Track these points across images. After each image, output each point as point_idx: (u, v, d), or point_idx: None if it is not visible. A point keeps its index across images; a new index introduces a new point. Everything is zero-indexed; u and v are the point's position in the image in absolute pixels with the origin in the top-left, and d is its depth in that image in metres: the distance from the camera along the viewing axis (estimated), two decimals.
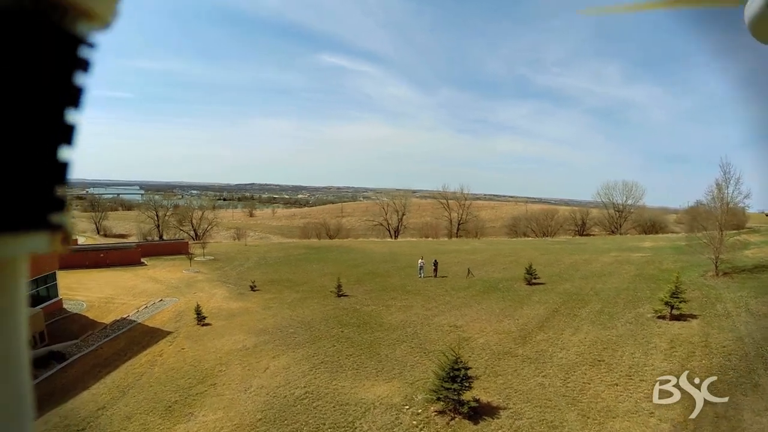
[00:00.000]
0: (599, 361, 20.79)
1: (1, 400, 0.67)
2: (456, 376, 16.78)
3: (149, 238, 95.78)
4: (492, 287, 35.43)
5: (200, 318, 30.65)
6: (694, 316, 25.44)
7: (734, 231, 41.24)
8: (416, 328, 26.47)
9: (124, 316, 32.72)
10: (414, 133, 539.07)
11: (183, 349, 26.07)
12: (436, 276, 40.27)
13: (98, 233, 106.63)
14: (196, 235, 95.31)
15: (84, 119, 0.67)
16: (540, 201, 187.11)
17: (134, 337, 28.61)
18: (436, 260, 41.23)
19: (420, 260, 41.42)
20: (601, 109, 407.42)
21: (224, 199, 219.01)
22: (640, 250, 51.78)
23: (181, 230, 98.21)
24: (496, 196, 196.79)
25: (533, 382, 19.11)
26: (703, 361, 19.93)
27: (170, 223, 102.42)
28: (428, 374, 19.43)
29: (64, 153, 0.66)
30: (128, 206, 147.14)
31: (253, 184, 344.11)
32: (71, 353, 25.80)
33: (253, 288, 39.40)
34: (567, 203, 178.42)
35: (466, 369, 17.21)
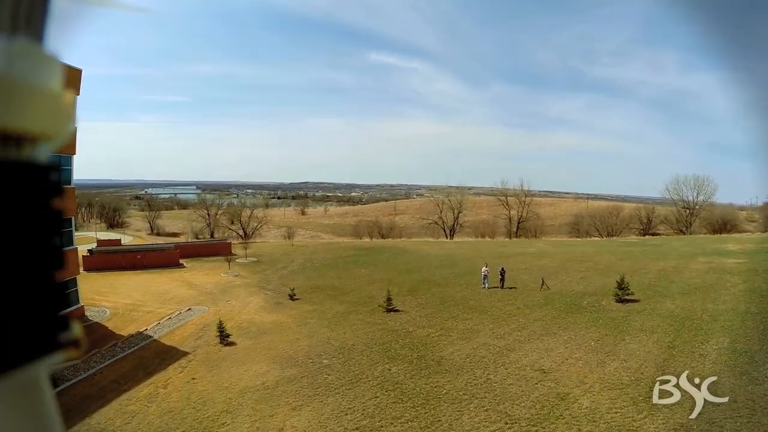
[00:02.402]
0: None
1: None
2: None
3: (200, 236, 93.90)
4: (575, 305, 28.29)
5: (223, 336, 26.25)
6: None
7: None
8: (488, 371, 19.64)
9: (144, 328, 29.13)
10: (465, 129, 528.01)
11: (193, 379, 21.63)
12: (503, 287, 33.34)
13: (152, 231, 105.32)
14: (245, 234, 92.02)
15: (143, 123, 0.65)
16: (597, 197, 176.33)
17: (143, 359, 24.55)
18: (503, 268, 34.17)
19: (484, 268, 34.51)
20: (658, 100, 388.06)
21: (278, 198, 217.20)
22: (730, 255, 43.41)
23: (230, 229, 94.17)
24: (552, 192, 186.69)
25: None
26: None
27: (221, 222, 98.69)
28: None
29: (57, 276, 0.68)
30: (184, 205, 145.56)
31: (307, 182, 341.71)
32: (66, 377, 21.59)
33: (292, 297, 34.51)
34: (624, 199, 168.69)
35: None
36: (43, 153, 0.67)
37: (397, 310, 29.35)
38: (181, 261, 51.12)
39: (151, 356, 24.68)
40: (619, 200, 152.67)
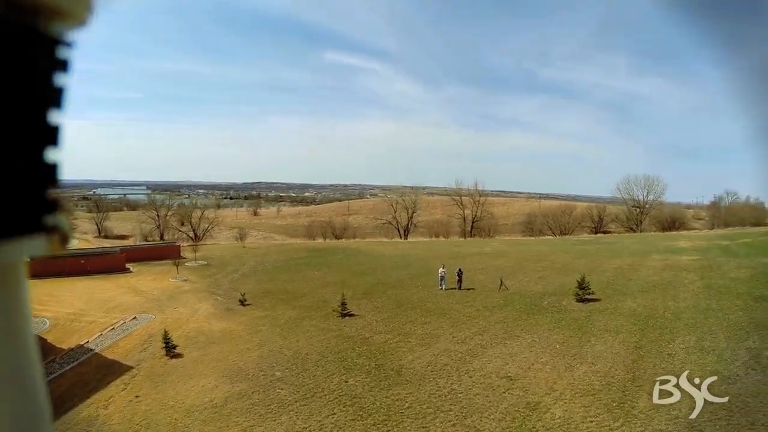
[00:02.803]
0: None
1: (18, 407, 0.68)
2: None
3: (150, 239, 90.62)
4: (535, 305, 27.21)
5: (169, 348, 24.49)
6: None
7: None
8: (451, 380, 18.22)
9: (86, 341, 27.15)
10: (421, 129, 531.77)
11: (137, 397, 20.04)
12: (460, 288, 32.07)
13: (99, 234, 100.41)
14: (196, 236, 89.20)
15: (93, 121, 0.66)
16: (549, 197, 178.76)
17: (83, 376, 22.71)
18: (460, 269, 32.91)
19: (441, 269, 33.16)
20: (609, 103, 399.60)
21: (231, 198, 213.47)
22: (683, 252, 43.46)
23: (180, 231, 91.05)
24: (505, 192, 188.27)
25: None
26: None
27: (171, 224, 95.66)
28: None
29: (51, 154, 0.66)
30: (133, 206, 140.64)
31: (260, 182, 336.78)
32: None
33: (243, 302, 32.63)
34: (576, 198, 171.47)
35: None
36: (56, 28, 0.65)
37: (352, 315, 27.86)
38: (128, 265, 48.46)
39: (92, 372, 22.95)
40: (570, 200, 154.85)
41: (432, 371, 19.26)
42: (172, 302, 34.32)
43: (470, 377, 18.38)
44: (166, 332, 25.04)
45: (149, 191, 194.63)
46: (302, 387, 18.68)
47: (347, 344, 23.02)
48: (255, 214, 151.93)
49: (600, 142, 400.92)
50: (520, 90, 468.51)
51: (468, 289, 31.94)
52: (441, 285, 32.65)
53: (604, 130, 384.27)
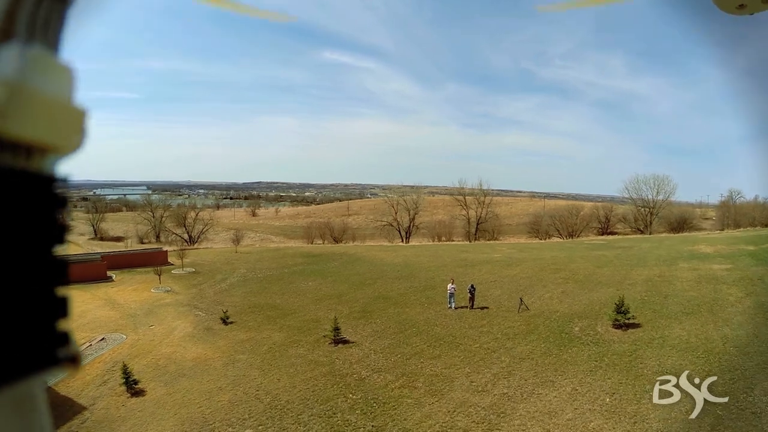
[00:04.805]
0: None
1: None
2: None
3: (145, 240, 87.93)
4: (565, 333, 22.16)
5: (130, 384, 20.29)
6: None
7: None
8: None
9: None
10: (419, 129, 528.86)
11: None
12: (472, 307, 27.14)
13: (95, 236, 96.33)
14: (190, 238, 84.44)
15: (93, 121, 0.72)
16: (548, 195, 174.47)
17: None
18: (473, 286, 27.78)
19: (450, 285, 28.14)
20: (606, 102, 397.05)
21: (230, 198, 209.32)
22: (710, 259, 38.21)
23: (174, 234, 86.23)
24: (505, 191, 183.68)
25: None
26: None
27: (166, 226, 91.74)
28: None
29: (60, 290, 0.68)
30: (132, 207, 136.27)
31: (261, 182, 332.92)
32: None
33: (225, 320, 28.12)
34: (575, 197, 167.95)
35: None
36: (51, 165, 0.67)
37: (346, 341, 23.18)
38: (111, 273, 43.77)
39: None
40: (569, 199, 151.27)
41: None
42: (149, 318, 30.10)
43: None
44: (125, 367, 20.69)
45: (149, 191, 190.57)
46: None
47: (338, 388, 18.13)
48: (253, 215, 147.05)
49: (597, 141, 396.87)
50: (518, 89, 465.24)
51: (481, 308, 27.01)
52: (450, 303, 27.65)
53: (601, 129, 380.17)
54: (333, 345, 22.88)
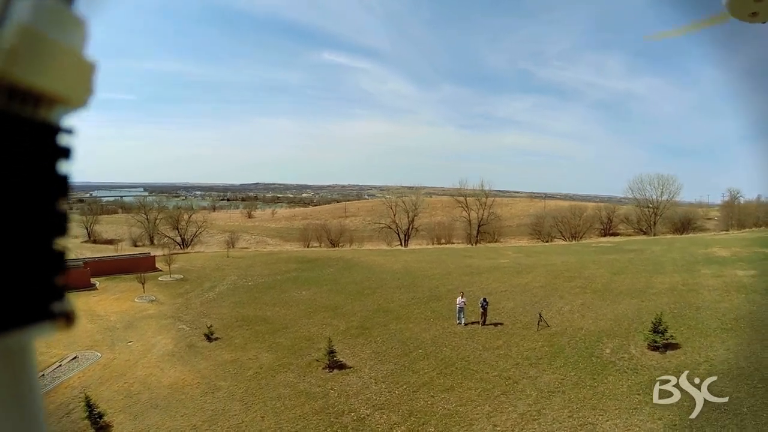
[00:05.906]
0: None
1: None
2: None
3: (139, 243, 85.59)
4: (595, 357, 19.03)
5: (94, 418, 17.09)
6: None
7: None
8: None
9: None
10: (416, 129, 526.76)
11: None
12: (485, 323, 24.14)
13: (89, 239, 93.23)
14: (183, 241, 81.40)
15: (87, 122, 0.67)
16: (547, 196, 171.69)
17: None
18: (485, 300, 24.60)
19: (459, 298, 24.99)
20: (604, 103, 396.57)
21: (227, 200, 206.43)
22: (730, 263, 35.18)
23: (167, 237, 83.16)
24: (504, 191, 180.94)
25: None
26: None
27: (160, 228, 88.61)
28: None
29: (60, 242, 0.67)
30: (129, 209, 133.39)
31: (258, 183, 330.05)
32: None
33: (209, 336, 24.95)
34: (573, 198, 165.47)
35: None
36: (57, 117, 0.66)
37: (342, 366, 20.15)
38: (95, 280, 40.69)
39: None
40: (568, 199, 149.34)
41: None
42: (129, 332, 27.15)
43: None
44: (88, 399, 17.47)
45: (146, 193, 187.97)
46: None
47: None
48: (249, 217, 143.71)
49: (596, 141, 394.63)
50: (516, 90, 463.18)
51: (494, 325, 23.94)
52: (460, 319, 24.58)
53: (599, 130, 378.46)
54: (327, 371, 19.83)
